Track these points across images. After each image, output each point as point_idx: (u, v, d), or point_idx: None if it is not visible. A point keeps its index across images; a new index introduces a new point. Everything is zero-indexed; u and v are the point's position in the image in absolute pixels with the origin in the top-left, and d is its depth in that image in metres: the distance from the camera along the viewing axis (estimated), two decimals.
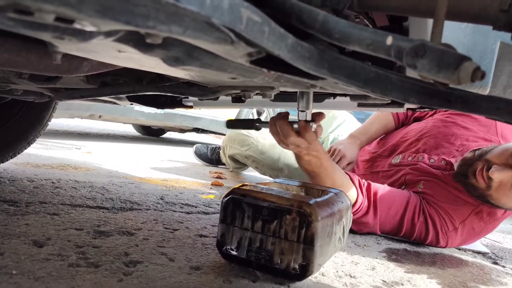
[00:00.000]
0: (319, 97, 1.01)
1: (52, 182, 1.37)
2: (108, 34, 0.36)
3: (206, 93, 0.81)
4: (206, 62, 0.47)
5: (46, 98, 1.07)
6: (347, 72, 0.44)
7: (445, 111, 1.66)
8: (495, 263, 1.32)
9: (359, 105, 0.97)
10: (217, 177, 2.23)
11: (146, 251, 0.84)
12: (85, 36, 0.35)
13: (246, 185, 0.86)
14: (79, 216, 1.02)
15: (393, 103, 0.90)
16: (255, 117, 4.69)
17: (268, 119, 1.05)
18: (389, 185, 1.45)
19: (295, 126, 0.99)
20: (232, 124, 1.08)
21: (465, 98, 0.46)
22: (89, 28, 0.33)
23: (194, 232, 1.04)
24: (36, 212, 0.99)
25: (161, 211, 1.23)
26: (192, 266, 0.80)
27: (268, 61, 0.45)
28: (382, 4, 0.50)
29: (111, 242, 0.86)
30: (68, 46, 0.44)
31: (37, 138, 1.50)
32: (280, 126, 1.02)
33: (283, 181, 1.01)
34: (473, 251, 1.42)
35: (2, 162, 1.43)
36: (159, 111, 3.61)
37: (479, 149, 1.40)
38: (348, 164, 1.72)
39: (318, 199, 0.83)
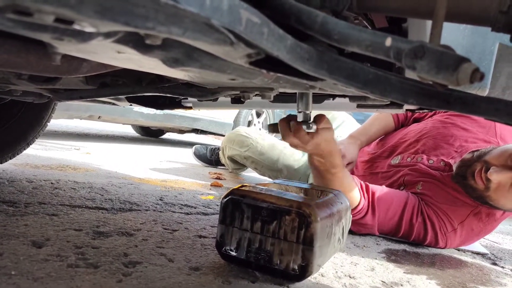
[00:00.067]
0: (319, 98, 1.01)
1: (51, 183, 1.37)
2: (107, 35, 0.36)
3: (206, 94, 0.81)
4: (205, 63, 0.47)
5: (45, 99, 1.07)
6: (346, 73, 0.44)
7: (444, 112, 1.67)
8: (494, 264, 1.32)
9: (358, 106, 0.97)
10: (216, 178, 2.23)
11: (145, 251, 0.84)
12: (84, 37, 0.35)
13: (246, 186, 0.86)
14: (78, 217, 1.02)
15: (392, 104, 0.90)
16: (254, 118, 4.69)
17: (268, 121, 1.05)
18: (388, 186, 1.45)
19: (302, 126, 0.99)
20: (274, 128, 1.07)
21: (464, 99, 0.46)
22: (89, 29, 0.33)
23: (193, 233, 1.04)
24: (35, 212, 0.99)
25: (160, 211, 1.23)
26: (192, 266, 0.80)
27: (267, 62, 0.45)
28: (381, 6, 0.50)
29: (110, 242, 0.86)
30: (67, 47, 0.44)
31: (36, 138, 1.50)
32: (280, 126, 1.02)
33: (282, 182, 1.01)
34: (472, 252, 1.42)
35: (1, 163, 1.43)
36: (158, 112, 3.61)
37: (478, 150, 1.40)
38: (347, 164, 1.72)
39: (318, 200, 0.83)
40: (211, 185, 1.94)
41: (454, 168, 1.44)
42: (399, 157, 1.61)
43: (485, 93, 0.61)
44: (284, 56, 0.40)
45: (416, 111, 1.05)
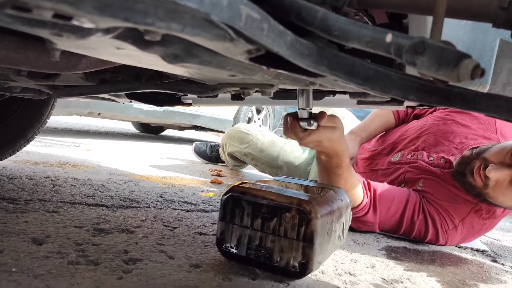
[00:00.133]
0: (319, 95, 1.01)
1: (51, 180, 1.37)
2: (106, 31, 0.36)
3: (205, 90, 0.81)
4: (205, 59, 0.47)
5: (44, 96, 1.07)
6: (347, 70, 0.44)
7: (444, 108, 1.66)
8: (495, 261, 1.32)
9: (359, 102, 0.97)
10: (216, 175, 2.23)
11: (145, 248, 0.84)
12: (83, 33, 0.35)
13: (246, 183, 0.86)
14: (79, 214, 1.02)
15: (393, 101, 0.90)
16: (254, 115, 4.69)
17: (268, 117, 1.05)
18: (388, 183, 1.45)
19: (301, 123, 0.98)
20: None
21: (464, 95, 0.46)
22: (88, 25, 0.32)
23: (193, 230, 1.04)
24: (36, 209, 0.99)
25: (161, 209, 1.23)
26: (192, 264, 0.80)
27: (267, 58, 0.45)
28: (381, 1, 0.50)
29: (110, 239, 0.86)
30: (66, 43, 0.44)
31: (36, 135, 1.50)
32: (283, 121, 1.03)
33: (282, 179, 1.01)
34: (473, 249, 1.43)
35: (1, 160, 1.43)
36: (158, 108, 3.61)
37: (478, 147, 1.40)
38: None
39: (318, 197, 0.83)
40: (211, 182, 1.95)
41: (454, 165, 1.44)
42: (399, 154, 1.61)
43: (485, 89, 0.61)
44: (284, 52, 0.40)
45: (417, 108, 1.05)
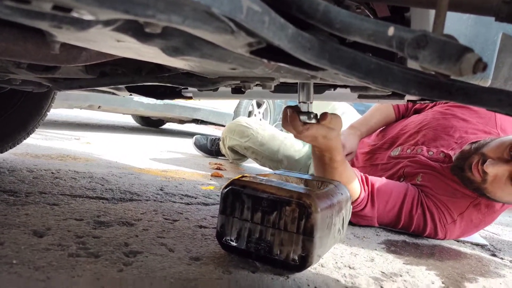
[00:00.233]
0: (320, 89, 1.01)
1: (52, 173, 1.37)
2: (106, 23, 0.36)
3: (206, 83, 0.81)
4: (206, 52, 0.47)
5: (44, 88, 1.07)
6: (348, 63, 0.43)
7: (444, 103, 1.66)
8: (494, 255, 1.32)
9: (360, 96, 0.97)
10: (216, 168, 2.23)
11: (146, 241, 0.84)
12: (83, 25, 0.34)
13: (246, 176, 0.86)
14: (79, 207, 1.02)
15: (394, 95, 0.89)
16: (255, 108, 4.68)
17: (268, 111, 1.05)
18: (388, 177, 1.45)
19: (301, 117, 0.98)
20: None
21: (466, 90, 0.45)
22: (87, 17, 0.32)
23: (193, 223, 1.05)
24: (36, 202, 0.99)
25: (161, 202, 1.23)
26: (192, 256, 0.81)
27: (268, 51, 0.45)
28: None
29: (111, 232, 0.86)
30: (66, 36, 0.44)
31: (36, 128, 1.50)
32: (283, 113, 1.03)
33: (282, 173, 1.01)
34: (472, 243, 1.43)
35: (2, 152, 1.43)
36: (159, 102, 3.60)
37: (477, 142, 1.40)
38: (347, 155, 1.72)
39: (318, 191, 0.83)
40: (211, 176, 1.95)
41: (453, 159, 1.44)
42: (399, 149, 1.61)
43: (487, 83, 0.61)
44: (285, 45, 0.40)
45: (418, 102, 1.05)
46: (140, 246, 0.81)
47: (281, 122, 1.05)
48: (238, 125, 2.26)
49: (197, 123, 4.55)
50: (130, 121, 5.28)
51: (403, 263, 1.04)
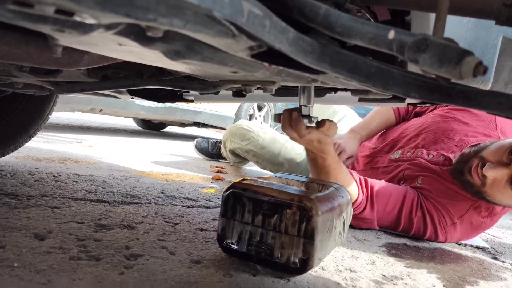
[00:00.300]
0: (320, 92, 1.01)
1: (53, 176, 1.38)
2: (108, 27, 0.36)
3: (207, 87, 0.81)
4: (207, 56, 0.47)
5: (46, 92, 1.07)
6: (349, 67, 0.44)
7: (445, 106, 1.66)
8: (495, 258, 1.32)
9: (360, 100, 0.97)
10: (217, 171, 2.23)
11: (147, 244, 0.84)
12: (85, 28, 0.35)
13: (247, 179, 0.86)
14: (80, 210, 1.02)
15: (394, 98, 0.90)
16: (256, 112, 4.68)
17: (269, 114, 1.06)
18: (388, 180, 1.45)
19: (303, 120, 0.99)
20: (279, 118, 1.09)
21: (466, 93, 0.45)
22: (89, 20, 0.32)
23: (194, 226, 1.05)
24: (37, 205, 1.00)
25: (162, 205, 1.23)
26: (193, 259, 0.81)
27: (269, 55, 0.45)
28: None
29: (112, 235, 0.87)
30: (68, 39, 0.44)
31: (38, 131, 1.50)
32: (282, 116, 1.03)
33: (283, 176, 1.01)
34: (473, 246, 1.43)
35: (3, 156, 1.43)
36: (160, 105, 3.60)
37: (477, 145, 1.40)
38: (348, 159, 1.72)
39: (319, 194, 0.83)
40: (212, 179, 1.95)
41: (453, 162, 1.44)
42: (399, 152, 1.61)
43: (487, 87, 0.61)
44: (286, 49, 0.40)
45: (418, 105, 1.05)
46: (141, 249, 0.81)
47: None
48: (239, 128, 2.26)
49: (198, 126, 4.55)
50: (131, 124, 5.28)
51: (404, 266, 1.04)
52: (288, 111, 1.02)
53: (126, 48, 0.47)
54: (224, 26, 0.36)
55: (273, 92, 0.83)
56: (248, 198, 0.80)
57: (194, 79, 0.80)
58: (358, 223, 1.34)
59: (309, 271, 0.81)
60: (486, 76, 0.59)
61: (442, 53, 0.36)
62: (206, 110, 4.18)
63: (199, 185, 1.70)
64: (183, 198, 1.38)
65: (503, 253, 1.41)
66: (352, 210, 0.99)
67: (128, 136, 3.77)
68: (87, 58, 0.62)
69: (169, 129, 5.50)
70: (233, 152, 2.36)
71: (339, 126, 2.19)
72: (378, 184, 1.34)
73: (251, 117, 4.62)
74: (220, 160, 2.71)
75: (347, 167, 1.55)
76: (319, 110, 2.09)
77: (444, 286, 0.94)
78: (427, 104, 1.21)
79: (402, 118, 1.85)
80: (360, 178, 1.31)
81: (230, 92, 1.04)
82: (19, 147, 1.47)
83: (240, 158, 2.39)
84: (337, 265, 0.95)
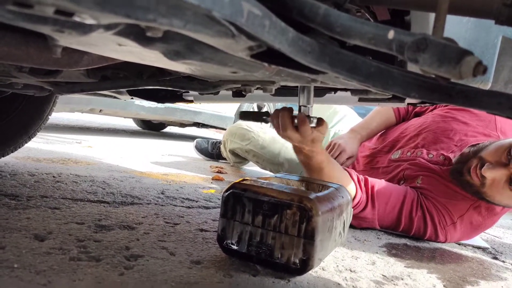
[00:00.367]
0: (320, 92, 1.01)
1: (53, 176, 1.38)
2: (108, 27, 0.36)
3: (207, 87, 0.81)
4: (207, 56, 0.47)
5: (46, 92, 1.07)
6: (348, 67, 0.44)
7: (445, 106, 1.66)
8: (495, 258, 1.32)
9: (360, 99, 0.97)
10: (217, 172, 2.23)
11: (147, 245, 0.84)
12: (85, 29, 0.35)
13: (247, 179, 0.86)
14: (80, 210, 1.02)
15: (394, 98, 0.90)
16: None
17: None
18: (388, 180, 1.45)
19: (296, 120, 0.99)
20: (246, 115, 1.08)
21: (466, 93, 0.45)
22: (89, 21, 0.32)
23: (194, 227, 1.05)
24: (37, 206, 1.00)
25: (162, 205, 1.23)
26: (193, 260, 0.81)
27: (269, 55, 0.45)
28: None
29: (112, 236, 0.86)
30: (68, 40, 0.44)
31: (38, 132, 1.50)
32: (281, 118, 1.02)
33: (283, 176, 1.01)
34: (473, 246, 1.43)
35: (3, 156, 1.43)
36: (160, 105, 3.61)
37: (476, 144, 1.40)
38: (348, 159, 1.72)
39: (319, 194, 0.83)
40: (212, 179, 1.95)
41: (453, 162, 1.44)
42: (399, 152, 1.61)
43: (487, 86, 0.61)
44: (285, 49, 0.40)
45: (418, 105, 1.05)
46: (141, 250, 0.81)
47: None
48: (239, 128, 2.26)
49: (198, 127, 4.55)
50: (131, 124, 5.28)
51: (405, 266, 1.04)
52: (288, 113, 1.01)
53: (125, 48, 0.47)
54: (224, 26, 0.36)
55: (273, 92, 0.83)
56: (248, 199, 0.80)
57: (193, 79, 0.80)
58: (359, 223, 1.34)
59: (309, 272, 0.81)
60: (486, 75, 0.59)
61: (442, 52, 0.36)
62: (206, 110, 4.18)
63: (199, 186, 1.69)
64: (183, 198, 1.38)
65: (503, 253, 1.41)
66: (352, 210, 0.99)
67: (128, 136, 3.77)
68: (86, 59, 0.62)
69: (169, 129, 5.50)
70: (233, 152, 2.36)
71: (339, 126, 2.20)
72: (379, 183, 1.34)
73: None
74: (220, 161, 2.71)
75: (348, 167, 1.55)
76: (319, 110, 2.09)
77: (444, 286, 0.94)
78: (427, 104, 1.22)
79: (402, 118, 1.85)
80: (358, 177, 1.31)
81: (230, 92, 1.04)
82: (19, 147, 1.47)
83: (240, 158, 2.39)
84: (337, 265, 0.95)
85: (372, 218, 1.32)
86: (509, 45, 0.61)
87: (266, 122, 1.06)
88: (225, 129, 3.29)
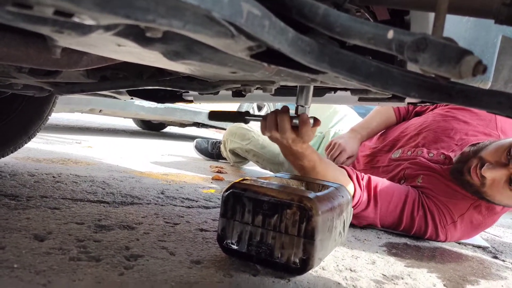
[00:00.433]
0: (320, 92, 1.01)
1: (53, 177, 1.38)
2: (107, 28, 0.36)
3: (206, 87, 0.81)
4: (206, 56, 0.47)
5: (46, 93, 1.07)
6: (348, 66, 0.44)
7: (445, 105, 1.66)
8: (495, 257, 1.32)
9: (360, 99, 0.97)
10: (217, 172, 2.23)
11: (147, 245, 0.84)
12: (84, 30, 0.35)
13: (247, 179, 0.86)
14: (80, 210, 1.02)
15: (394, 98, 0.90)
16: (256, 112, 4.68)
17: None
18: (389, 180, 1.45)
19: (294, 121, 0.98)
20: (215, 115, 1.05)
21: (466, 92, 0.45)
22: (88, 21, 0.32)
23: (194, 226, 1.05)
24: (37, 206, 1.00)
25: (162, 205, 1.23)
26: (193, 260, 0.81)
27: (268, 55, 0.45)
28: None
29: (112, 236, 0.86)
30: (67, 40, 0.44)
31: (38, 132, 1.50)
32: (281, 120, 0.99)
33: (283, 176, 1.01)
34: (473, 245, 1.43)
35: (3, 157, 1.43)
36: (159, 105, 3.60)
37: (477, 144, 1.40)
38: (348, 158, 1.72)
39: (319, 194, 0.83)
40: (212, 179, 1.95)
41: (453, 161, 1.44)
42: (399, 151, 1.61)
43: (487, 86, 0.61)
44: (285, 49, 0.40)
45: (418, 105, 1.05)
46: (141, 250, 0.81)
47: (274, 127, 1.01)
48: (239, 128, 2.26)
49: (198, 127, 4.55)
50: (131, 124, 5.28)
51: (405, 266, 1.04)
52: (288, 115, 0.98)
53: (125, 49, 0.47)
54: (223, 27, 0.36)
55: (273, 92, 0.83)
56: (248, 198, 0.80)
57: (193, 79, 0.80)
58: (360, 221, 1.34)
59: (310, 271, 0.81)
60: (485, 75, 0.59)
61: (442, 52, 0.36)
62: (205, 110, 4.18)
63: (199, 186, 1.69)
64: (183, 198, 1.38)
65: (503, 252, 1.41)
66: (352, 209, 0.99)
67: (127, 136, 3.77)
68: (86, 59, 0.62)
69: (168, 129, 5.49)
70: (233, 152, 2.36)
71: (339, 126, 2.20)
72: (382, 182, 1.34)
73: None
74: (220, 160, 2.71)
75: (348, 166, 1.55)
76: (320, 110, 2.09)
77: (444, 285, 0.94)
78: (427, 104, 1.22)
79: (402, 117, 1.85)
80: (358, 175, 1.30)
81: (230, 92, 1.04)
82: (19, 148, 1.47)
83: (240, 158, 2.39)
84: (337, 265, 0.95)
85: (374, 217, 1.32)
86: (508, 45, 0.61)
87: (246, 122, 1.04)
88: (225, 129, 3.29)
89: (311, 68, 0.45)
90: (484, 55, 0.59)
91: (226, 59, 0.49)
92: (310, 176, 1.15)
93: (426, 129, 1.61)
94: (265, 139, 2.15)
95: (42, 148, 2.05)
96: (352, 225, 1.32)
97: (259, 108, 4.76)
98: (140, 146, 3.06)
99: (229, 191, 0.82)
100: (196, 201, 1.36)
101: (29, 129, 1.45)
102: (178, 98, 1.23)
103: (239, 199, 0.81)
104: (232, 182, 0.84)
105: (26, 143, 1.49)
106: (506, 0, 0.43)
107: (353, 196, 1.26)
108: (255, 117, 1.05)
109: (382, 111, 1.85)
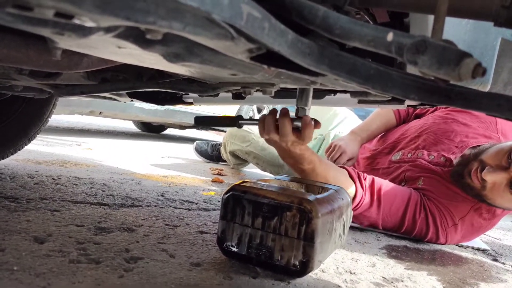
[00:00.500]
0: (320, 94, 1.01)
1: (53, 179, 1.37)
2: (107, 29, 0.36)
3: (206, 89, 0.81)
4: (206, 58, 0.47)
5: (46, 95, 1.07)
6: (348, 69, 0.44)
7: (445, 108, 1.67)
8: (495, 260, 1.32)
9: (360, 101, 0.97)
10: (217, 174, 2.23)
11: (146, 247, 0.84)
12: (84, 31, 0.35)
13: (247, 181, 0.86)
14: (80, 213, 1.02)
15: (394, 100, 0.90)
16: (255, 114, 4.69)
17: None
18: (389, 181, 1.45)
19: (295, 123, 0.97)
20: (202, 121, 1.04)
21: (465, 95, 0.46)
22: (89, 23, 0.32)
23: (194, 229, 1.05)
24: (37, 208, 0.99)
25: (162, 207, 1.23)
26: (193, 262, 0.80)
27: (268, 57, 0.45)
28: (383, 0, 0.50)
29: (112, 238, 0.86)
30: (68, 42, 0.44)
31: (38, 134, 1.50)
32: (282, 124, 0.98)
33: (283, 178, 1.01)
34: (473, 248, 1.43)
35: (3, 159, 1.43)
36: (159, 107, 3.61)
37: (476, 147, 1.40)
38: (348, 160, 1.72)
39: (319, 196, 0.83)
40: (212, 181, 1.95)
41: (454, 164, 1.44)
42: (400, 153, 1.61)
43: (486, 88, 0.61)
44: (285, 51, 0.40)
45: (418, 107, 1.05)
46: (141, 252, 0.81)
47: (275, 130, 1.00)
48: (239, 130, 2.26)
49: (198, 129, 4.55)
50: (131, 127, 5.28)
51: (405, 268, 1.03)
52: (288, 118, 0.97)
53: (125, 50, 0.47)
54: (223, 29, 0.36)
55: (273, 94, 0.83)
56: (248, 201, 0.80)
57: (193, 81, 0.80)
58: (361, 221, 1.34)
59: (309, 274, 0.81)
60: (485, 77, 0.59)
61: (441, 54, 0.37)
62: (205, 112, 4.19)
63: (199, 188, 1.69)
64: (183, 200, 1.38)
65: (503, 255, 1.40)
66: (352, 212, 0.99)
67: (127, 138, 3.77)
68: (86, 61, 0.62)
69: (168, 131, 5.49)
70: (233, 154, 2.36)
71: (339, 128, 2.20)
72: (385, 184, 1.34)
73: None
74: (220, 163, 2.71)
75: None
76: (320, 112, 2.10)
77: None
78: (427, 106, 1.21)
79: (402, 119, 1.85)
80: (360, 175, 1.29)
81: (230, 94, 1.04)
82: (19, 150, 1.47)
83: (240, 160, 2.39)
84: (337, 267, 0.95)
85: (376, 218, 1.32)
86: (508, 47, 0.61)
87: (239, 127, 1.03)
88: (225, 131, 3.29)
89: (310, 70, 0.45)
90: (483, 58, 0.60)
91: (226, 61, 0.49)
92: (310, 178, 1.15)
93: (426, 131, 1.61)
94: (265, 141, 2.15)
95: (42, 150, 2.05)
96: (352, 228, 1.32)
97: (259, 111, 4.76)
98: (140, 148, 3.06)
99: (229, 194, 0.82)
100: (196, 204, 1.36)
101: (29, 131, 1.45)
102: (178, 100, 1.23)
103: (239, 202, 0.81)
104: (232, 185, 0.84)
105: (26, 145, 1.49)
106: (505, 2, 0.43)
107: (355, 196, 1.25)
108: (249, 121, 1.04)
109: (382, 113, 1.85)
